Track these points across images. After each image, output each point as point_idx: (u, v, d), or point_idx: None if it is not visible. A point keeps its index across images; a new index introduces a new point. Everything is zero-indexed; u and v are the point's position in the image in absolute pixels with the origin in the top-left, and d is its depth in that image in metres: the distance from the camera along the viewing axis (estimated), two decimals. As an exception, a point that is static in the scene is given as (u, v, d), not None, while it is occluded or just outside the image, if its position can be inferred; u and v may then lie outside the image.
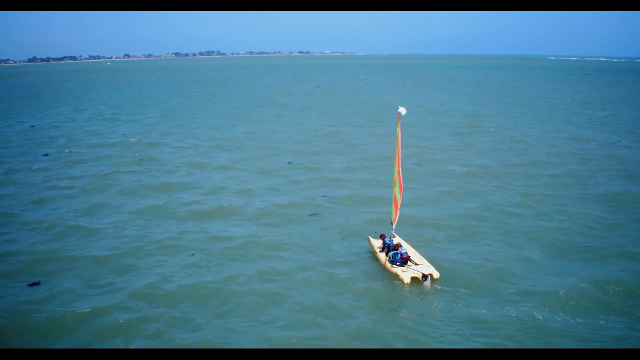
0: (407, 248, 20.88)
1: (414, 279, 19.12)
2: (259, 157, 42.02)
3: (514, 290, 18.66)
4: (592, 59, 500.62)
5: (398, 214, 21.60)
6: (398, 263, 19.96)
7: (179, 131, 55.72)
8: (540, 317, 16.78)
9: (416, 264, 19.91)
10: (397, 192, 21.32)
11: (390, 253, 20.34)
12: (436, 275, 19.28)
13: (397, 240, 21.61)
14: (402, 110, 20.29)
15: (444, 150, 43.16)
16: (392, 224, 21.93)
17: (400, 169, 21.09)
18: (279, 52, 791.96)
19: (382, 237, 21.83)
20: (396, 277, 19.60)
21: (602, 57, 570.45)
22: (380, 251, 21.42)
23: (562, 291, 18.34)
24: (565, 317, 16.85)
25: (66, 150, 45.75)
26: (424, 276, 19.01)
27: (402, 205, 22.01)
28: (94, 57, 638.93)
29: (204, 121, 63.14)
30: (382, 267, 20.73)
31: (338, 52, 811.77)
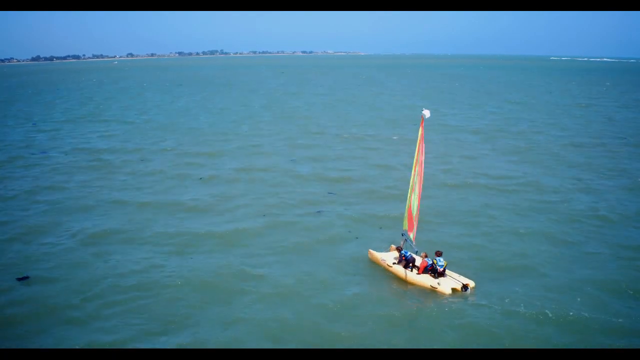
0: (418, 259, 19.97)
1: (454, 289, 18.36)
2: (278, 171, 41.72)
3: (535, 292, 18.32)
4: (597, 59, 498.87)
5: (416, 225, 20.26)
6: (438, 272, 18.96)
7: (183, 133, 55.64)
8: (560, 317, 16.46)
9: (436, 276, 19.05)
10: (413, 200, 20.14)
11: (431, 261, 19.22)
12: (472, 285, 18.62)
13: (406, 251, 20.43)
14: (426, 113, 18.98)
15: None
16: (403, 234, 20.92)
17: (421, 176, 19.82)
18: (282, 52, 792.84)
19: (399, 249, 20.48)
20: (432, 289, 18.57)
21: (606, 58, 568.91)
22: (396, 263, 20.17)
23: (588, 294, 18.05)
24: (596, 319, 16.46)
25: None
26: (464, 287, 18.37)
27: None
28: (98, 56, 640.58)
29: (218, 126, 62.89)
30: (398, 279, 19.72)
31: (341, 52, 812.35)
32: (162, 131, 53.65)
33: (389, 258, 20.80)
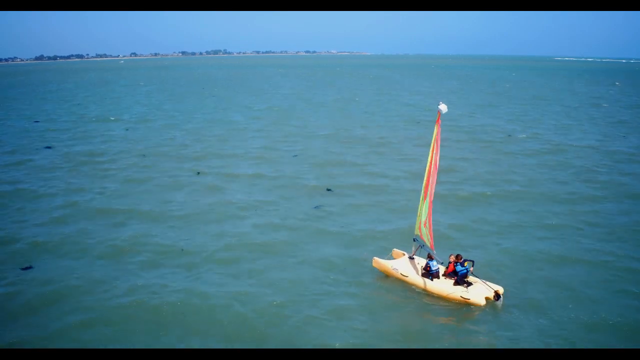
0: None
1: (487, 299, 16.89)
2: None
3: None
4: (601, 59, 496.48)
5: (431, 228, 18.23)
6: (461, 278, 17.53)
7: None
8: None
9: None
10: (426, 203, 18.30)
11: (459, 270, 17.49)
12: (502, 291, 17.15)
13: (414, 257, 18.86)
14: (443, 108, 17.31)
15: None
16: (415, 239, 19.08)
17: (432, 177, 17.96)
18: (286, 52, 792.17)
19: (430, 257, 18.27)
20: (463, 300, 16.83)
21: (608, 58, 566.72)
22: (422, 275, 18.02)
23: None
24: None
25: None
26: (496, 295, 16.95)
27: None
28: (101, 56, 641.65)
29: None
30: (417, 290, 17.81)
31: (344, 52, 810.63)
32: (165, 132, 53.34)
33: (402, 266, 18.36)
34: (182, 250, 21.91)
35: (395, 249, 20.05)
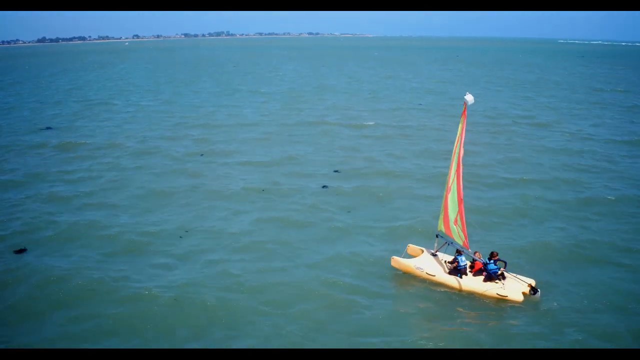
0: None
1: (524, 294, 16.21)
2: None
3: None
4: (605, 42, 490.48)
5: (464, 224, 17.14)
6: (491, 276, 16.79)
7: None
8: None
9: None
10: (451, 197, 17.34)
11: (492, 269, 16.67)
12: (534, 283, 16.54)
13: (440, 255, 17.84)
14: (469, 98, 16.24)
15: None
16: (438, 235, 18.14)
17: (459, 170, 16.96)
18: (288, 33, 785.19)
19: (459, 251, 17.37)
20: (500, 297, 16.12)
21: (609, 41, 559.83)
22: (450, 272, 17.08)
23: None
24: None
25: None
26: (533, 289, 16.32)
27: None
28: (103, 38, 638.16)
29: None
30: (446, 289, 16.75)
31: (347, 34, 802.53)
32: (166, 119, 52.54)
33: (426, 264, 17.31)
34: (181, 237, 21.26)
35: (410, 245, 18.78)
